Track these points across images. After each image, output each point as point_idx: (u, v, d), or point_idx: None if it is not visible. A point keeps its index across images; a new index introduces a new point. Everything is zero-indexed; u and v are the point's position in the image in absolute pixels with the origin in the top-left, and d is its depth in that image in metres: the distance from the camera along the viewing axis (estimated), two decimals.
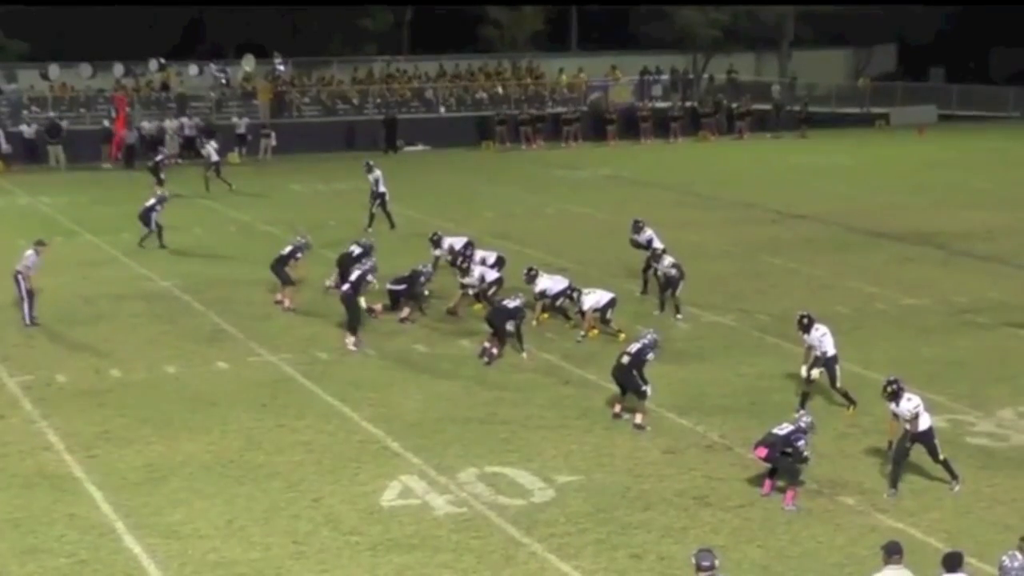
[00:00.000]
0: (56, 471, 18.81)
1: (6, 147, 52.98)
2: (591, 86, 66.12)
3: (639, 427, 20.35)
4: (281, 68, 61.41)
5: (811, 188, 45.99)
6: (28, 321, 26.62)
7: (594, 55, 70.10)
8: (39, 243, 27.44)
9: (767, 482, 17.79)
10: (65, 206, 42.10)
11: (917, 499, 17.66)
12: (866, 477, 18.39)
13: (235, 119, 57.48)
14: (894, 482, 17.86)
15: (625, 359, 20.59)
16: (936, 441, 17.95)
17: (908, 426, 17.80)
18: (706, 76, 71.85)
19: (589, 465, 18.94)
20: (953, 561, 13.23)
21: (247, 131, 56.56)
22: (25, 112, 56.14)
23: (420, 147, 59.55)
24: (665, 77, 69.16)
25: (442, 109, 63.08)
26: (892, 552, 13.56)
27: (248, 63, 60.76)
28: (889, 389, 17.93)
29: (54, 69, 57.88)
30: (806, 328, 21.31)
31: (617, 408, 20.84)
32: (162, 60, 59.22)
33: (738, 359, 24.39)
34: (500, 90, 64.50)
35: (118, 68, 58.46)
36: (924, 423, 17.86)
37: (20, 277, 26.72)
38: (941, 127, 65.74)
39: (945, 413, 20.89)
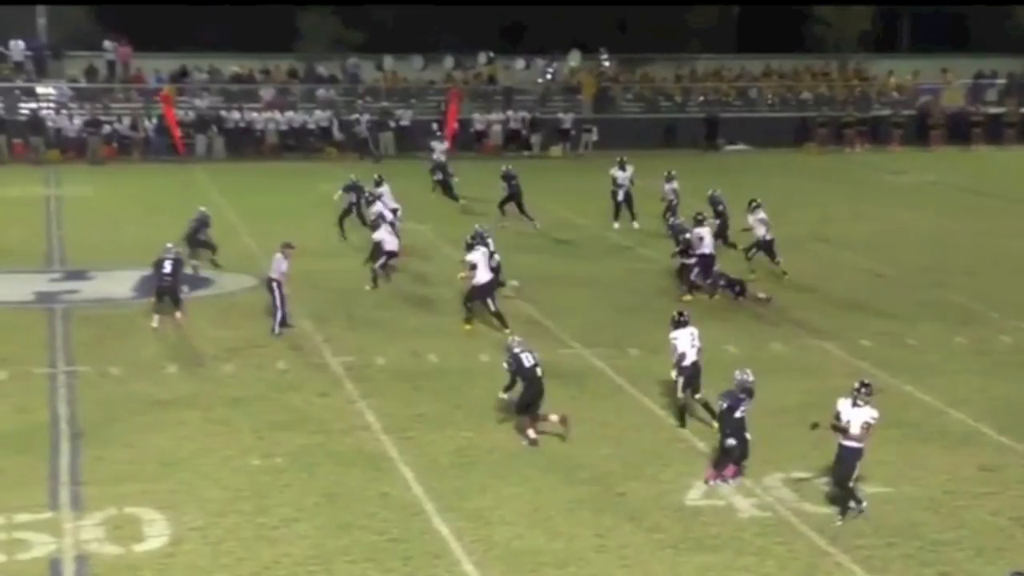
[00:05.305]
0: (373, 450, 19.44)
1: (338, 135, 55.12)
2: (921, 89, 64.33)
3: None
4: (606, 64, 61.93)
5: None
6: (278, 329, 25.65)
7: (924, 57, 68.02)
8: (287, 246, 26.03)
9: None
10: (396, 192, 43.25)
11: None
12: None
13: (560, 115, 58.31)
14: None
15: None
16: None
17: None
18: None
19: (899, 477, 18.45)
20: None
21: (572, 126, 57.37)
22: (359, 102, 58.16)
23: (740, 146, 59.10)
24: (1001, 81, 66.63)
25: (765, 108, 62.47)
26: None
27: (574, 58, 61.53)
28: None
29: (388, 60, 59.84)
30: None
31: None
32: (490, 54, 60.54)
33: None
34: (825, 91, 63.47)
35: (448, 60, 60.04)
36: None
37: (275, 284, 25.61)
38: None
39: None
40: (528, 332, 26.07)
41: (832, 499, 17.29)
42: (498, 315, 25.80)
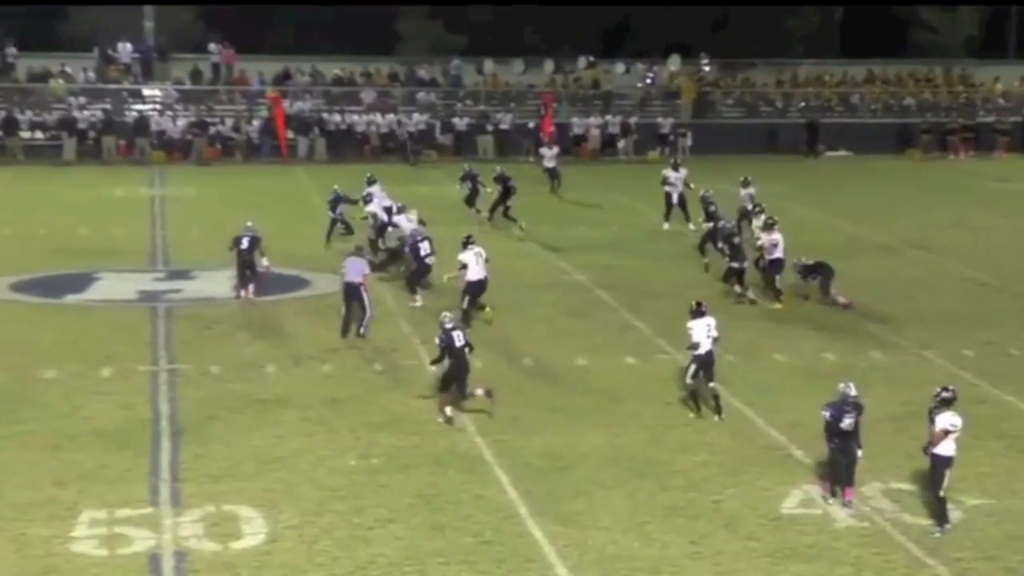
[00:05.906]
0: (467, 452, 19.49)
1: (442, 138, 55.42)
2: None
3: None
4: (707, 68, 61.67)
5: None
6: (364, 332, 25.60)
7: None
8: (361, 248, 27.19)
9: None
10: (488, 196, 43.38)
11: None
12: None
13: (659, 119, 58.20)
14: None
15: None
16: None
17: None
18: None
19: (1001, 489, 18.16)
20: None
21: (670, 131, 57.23)
22: (459, 105, 58.41)
23: (842, 152, 58.56)
24: None
25: (868, 114, 61.83)
26: None
27: (674, 62, 61.32)
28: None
29: (488, 64, 60.02)
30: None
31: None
32: (591, 58, 60.51)
33: None
34: (929, 97, 62.69)
35: (548, 64, 60.11)
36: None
37: (363, 289, 25.62)
38: None
39: None
40: (621, 337, 26.09)
41: (930, 510, 17.08)
42: (468, 313, 26.03)
